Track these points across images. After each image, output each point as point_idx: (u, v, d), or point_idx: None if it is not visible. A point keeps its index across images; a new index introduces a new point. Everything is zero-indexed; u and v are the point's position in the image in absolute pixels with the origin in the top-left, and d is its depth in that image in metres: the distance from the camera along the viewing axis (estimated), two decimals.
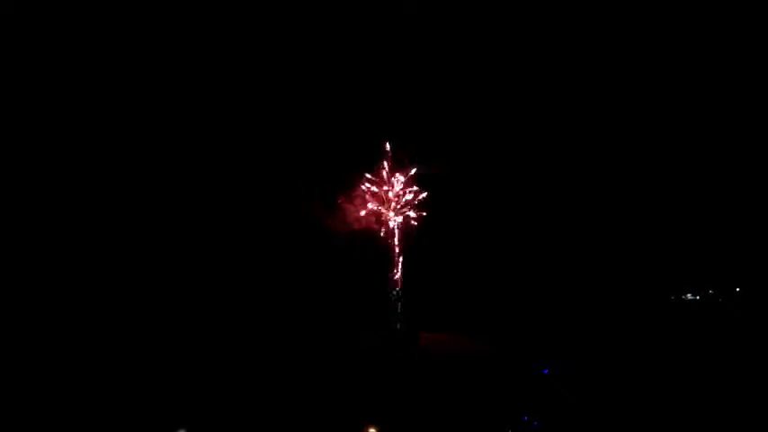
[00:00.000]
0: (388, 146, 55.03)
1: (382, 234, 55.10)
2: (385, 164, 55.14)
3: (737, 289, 57.35)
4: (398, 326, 53.69)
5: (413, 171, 55.16)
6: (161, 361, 45.92)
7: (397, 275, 54.86)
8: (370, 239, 54.94)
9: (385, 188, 55.35)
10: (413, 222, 55.10)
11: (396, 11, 53.01)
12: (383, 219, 55.11)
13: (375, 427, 41.68)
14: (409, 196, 55.50)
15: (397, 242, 55.02)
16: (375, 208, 54.94)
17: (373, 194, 55.23)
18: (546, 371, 46.91)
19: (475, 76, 53.87)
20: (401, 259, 55.30)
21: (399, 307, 53.95)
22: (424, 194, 55.09)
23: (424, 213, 54.96)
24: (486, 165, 54.82)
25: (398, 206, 55.32)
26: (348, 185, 55.02)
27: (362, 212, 54.68)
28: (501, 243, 55.20)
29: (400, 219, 55.08)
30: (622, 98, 54.69)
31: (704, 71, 54.12)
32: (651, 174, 55.34)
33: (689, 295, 57.99)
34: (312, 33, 53.00)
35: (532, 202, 55.04)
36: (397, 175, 55.37)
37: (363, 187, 55.14)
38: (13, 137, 49.10)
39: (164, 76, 51.56)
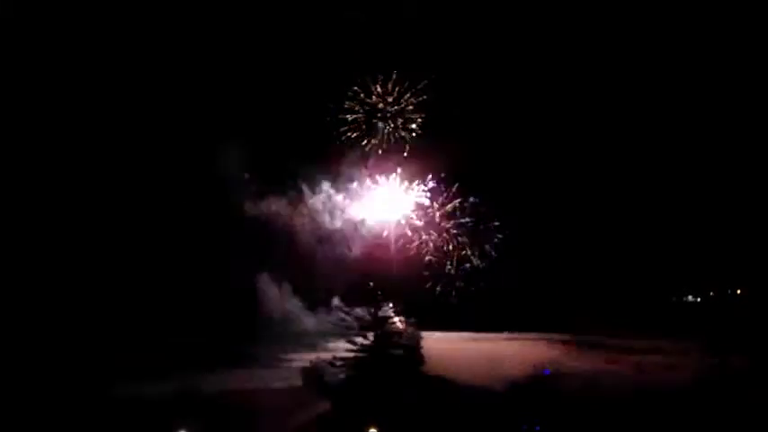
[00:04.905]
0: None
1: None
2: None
3: (738, 291, 57.24)
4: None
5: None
6: (162, 359, 46.00)
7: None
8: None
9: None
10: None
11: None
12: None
13: (375, 427, 41.65)
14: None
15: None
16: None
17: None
18: (547, 371, 47.00)
19: (473, 76, 54.08)
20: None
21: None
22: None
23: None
24: (486, 165, 54.80)
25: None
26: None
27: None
28: (500, 242, 55.19)
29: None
30: (620, 96, 54.68)
31: (704, 71, 54.16)
32: (651, 174, 55.28)
33: (689, 297, 57.92)
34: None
35: (532, 203, 54.96)
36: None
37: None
38: (13, 138, 49.20)
39: (164, 76, 51.77)
